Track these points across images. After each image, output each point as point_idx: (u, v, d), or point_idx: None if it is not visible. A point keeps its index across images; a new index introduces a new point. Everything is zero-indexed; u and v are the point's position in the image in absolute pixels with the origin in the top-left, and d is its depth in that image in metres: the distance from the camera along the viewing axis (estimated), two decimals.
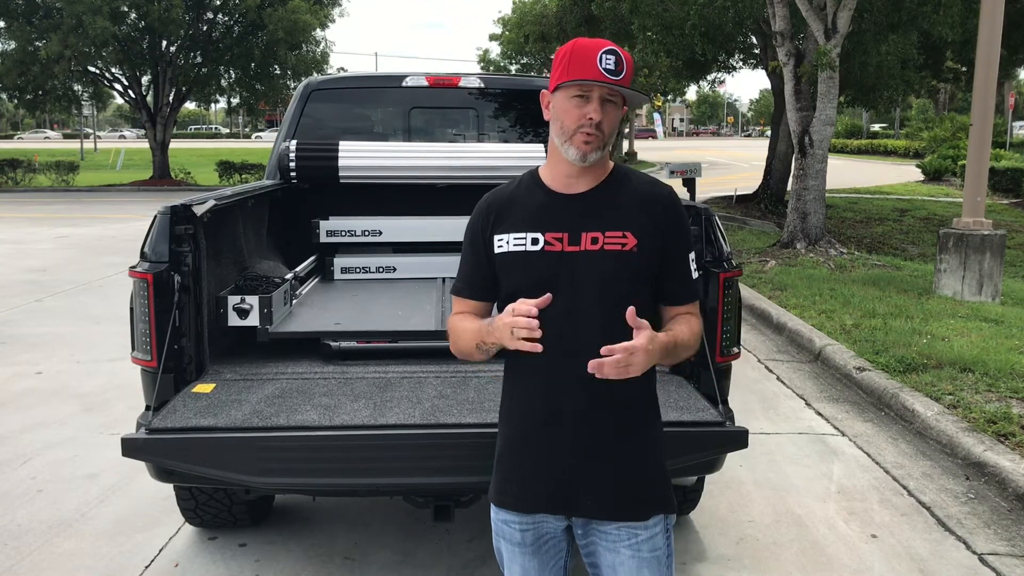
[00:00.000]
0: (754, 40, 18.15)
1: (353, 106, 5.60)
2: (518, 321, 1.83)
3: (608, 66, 1.90)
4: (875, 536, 3.94)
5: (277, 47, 26.11)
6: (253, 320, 3.52)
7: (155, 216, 3.18)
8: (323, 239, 4.97)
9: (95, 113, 50.30)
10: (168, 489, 3.79)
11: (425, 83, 5.33)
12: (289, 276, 4.22)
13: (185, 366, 3.24)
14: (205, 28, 27.02)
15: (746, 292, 8.99)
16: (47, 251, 13.03)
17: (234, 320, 3.51)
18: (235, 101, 31.06)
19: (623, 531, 2.02)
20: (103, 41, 23.72)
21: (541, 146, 5.01)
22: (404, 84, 5.34)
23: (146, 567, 3.61)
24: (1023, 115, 50.86)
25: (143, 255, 3.16)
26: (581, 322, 1.96)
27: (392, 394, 3.14)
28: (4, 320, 8.28)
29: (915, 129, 46.79)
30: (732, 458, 3.48)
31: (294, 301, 4.14)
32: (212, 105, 39.37)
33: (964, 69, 20.21)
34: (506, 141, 5.50)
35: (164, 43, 26.52)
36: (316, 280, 4.80)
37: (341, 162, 4.80)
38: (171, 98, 27.24)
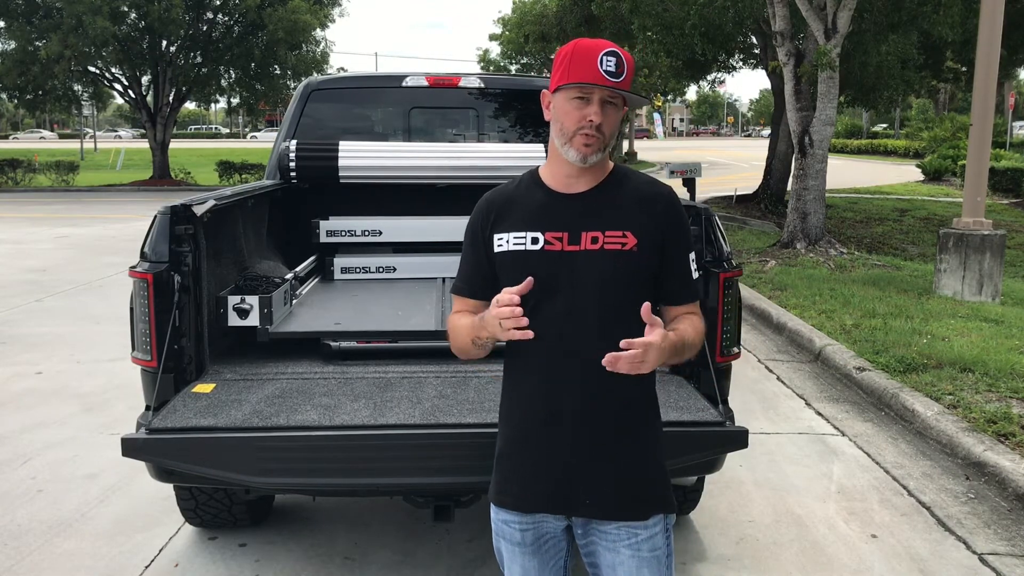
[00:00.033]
0: (754, 40, 18.15)
1: (353, 106, 5.60)
2: (502, 312, 1.83)
3: (608, 68, 1.90)
4: (875, 536, 3.94)
5: (277, 47, 26.11)
6: (253, 320, 3.52)
7: (155, 216, 3.18)
8: (323, 239, 4.97)
9: (95, 113, 50.29)
10: (168, 489, 3.79)
11: (425, 83, 5.33)
12: (289, 276, 4.22)
13: (185, 366, 3.24)
14: (205, 28, 27.02)
15: (746, 292, 8.99)
16: (47, 251, 13.03)
17: (234, 320, 3.51)
18: (235, 101, 31.07)
19: (623, 531, 2.02)
20: (103, 41, 23.72)
21: (541, 146, 5.01)
22: (404, 84, 5.34)
23: (146, 567, 3.61)
24: (1023, 115, 50.86)
25: (143, 255, 3.17)
26: (581, 322, 1.96)
27: (392, 394, 3.14)
28: (4, 320, 8.28)
29: (915, 129, 46.78)
30: (732, 458, 3.48)
31: (294, 301, 4.14)
32: (212, 105, 39.39)
33: (964, 69, 20.21)
34: (506, 141, 5.50)
35: (164, 43, 26.53)
36: (316, 280, 4.80)
37: (341, 162, 4.80)
38: (171, 98, 27.25)
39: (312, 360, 3.55)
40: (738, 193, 20.35)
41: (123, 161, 36.27)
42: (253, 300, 3.52)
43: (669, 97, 44.11)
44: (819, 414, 5.69)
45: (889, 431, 5.33)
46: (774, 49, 12.41)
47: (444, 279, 4.76)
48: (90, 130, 54.25)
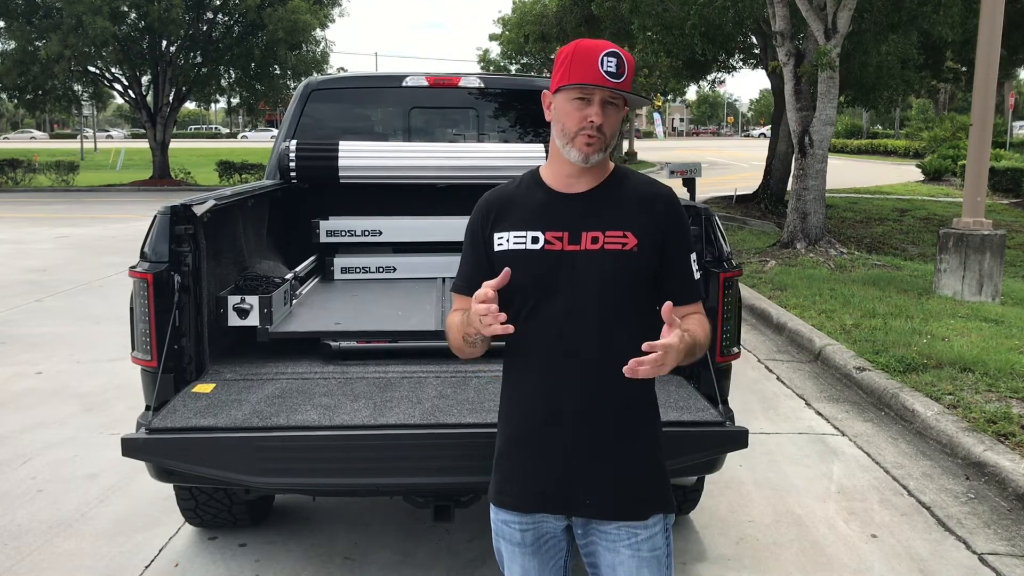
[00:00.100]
0: (754, 40, 18.15)
1: (353, 106, 5.60)
2: (479, 308, 1.82)
3: (609, 69, 1.90)
4: (875, 536, 3.94)
5: (277, 47, 26.11)
6: (253, 320, 3.52)
7: (155, 216, 3.18)
8: (323, 239, 4.97)
9: (95, 113, 50.29)
10: (168, 489, 3.79)
11: (425, 83, 5.33)
12: (289, 276, 4.22)
13: (185, 366, 3.24)
14: (205, 28, 27.02)
15: (746, 292, 8.99)
16: (47, 251, 13.03)
17: (234, 320, 3.51)
18: (235, 101, 31.07)
19: (623, 531, 2.02)
20: (103, 41, 23.72)
21: (541, 146, 5.01)
22: (404, 84, 5.34)
23: (146, 567, 3.61)
24: (1023, 115, 50.86)
25: (143, 255, 3.16)
26: (581, 321, 1.96)
27: (392, 394, 3.14)
28: (4, 320, 8.28)
29: (915, 129, 46.79)
30: (732, 458, 3.48)
31: (294, 301, 4.14)
32: (212, 105, 39.39)
33: (964, 69, 20.22)
34: (506, 141, 5.50)
35: (164, 43, 26.52)
36: (316, 280, 4.80)
37: (341, 162, 4.80)
38: (171, 98, 27.25)
39: (312, 360, 3.55)
40: (738, 193, 20.36)
41: (123, 161, 36.27)
42: (253, 300, 3.52)
43: (669, 97, 44.10)
44: (819, 414, 5.69)
45: (889, 431, 5.33)
46: (774, 49, 12.41)
47: (444, 279, 4.76)
48: (89, 130, 54.23)
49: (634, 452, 2.03)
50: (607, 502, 2.01)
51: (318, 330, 3.71)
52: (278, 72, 28.07)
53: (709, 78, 26.05)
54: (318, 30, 27.66)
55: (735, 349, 3.37)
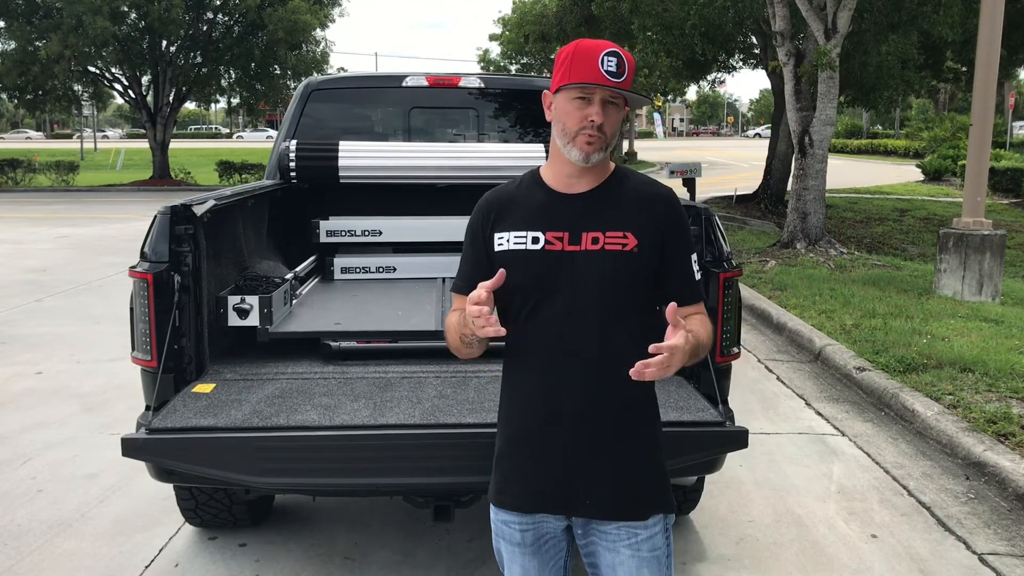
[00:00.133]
0: (754, 40, 18.15)
1: (353, 106, 5.60)
2: (471, 310, 1.83)
3: (610, 68, 1.90)
4: (875, 536, 3.94)
5: (277, 47, 26.11)
6: (253, 320, 3.52)
7: (155, 216, 3.18)
8: (323, 239, 4.97)
9: (95, 113, 50.28)
10: (168, 489, 3.79)
11: (425, 83, 5.33)
12: (289, 276, 4.22)
13: (185, 366, 3.24)
14: (205, 28, 27.02)
15: (746, 292, 8.99)
16: (47, 251, 13.03)
17: (234, 320, 3.51)
18: (235, 101, 31.07)
19: (623, 531, 2.02)
20: (103, 41, 23.72)
21: (541, 146, 5.01)
22: (404, 84, 5.34)
23: (146, 567, 3.61)
24: (1023, 115, 50.85)
25: (143, 255, 3.17)
26: (581, 322, 1.96)
27: (392, 394, 3.14)
28: (4, 320, 8.28)
29: (915, 129, 46.78)
30: (732, 458, 3.48)
31: (294, 301, 4.14)
32: (212, 105, 39.39)
33: (964, 69, 20.22)
34: (506, 141, 5.50)
35: (164, 43, 26.52)
36: (316, 280, 4.80)
37: (341, 162, 4.80)
38: (171, 98, 27.25)
39: (312, 360, 3.55)
40: (738, 193, 20.35)
41: (123, 161, 36.27)
42: (253, 300, 3.52)
43: (669, 97, 44.08)
44: (819, 414, 5.68)
45: (889, 431, 5.33)
46: (774, 49, 12.41)
47: (444, 279, 4.76)
48: (88, 130, 54.20)
49: (634, 452, 2.03)
50: (607, 502, 2.01)
51: (318, 330, 3.71)
52: (278, 72, 28.08)
53: (709, 78, 26.05)
54: (318, 30, 27.67)
55: (735, 349, 3.37)
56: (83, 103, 31.50)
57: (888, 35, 13.20)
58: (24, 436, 5.15)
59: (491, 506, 2.12)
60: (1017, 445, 4.73)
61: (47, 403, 5.78)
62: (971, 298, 8.56)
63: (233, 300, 3.51)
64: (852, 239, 14.74)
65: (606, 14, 19.46)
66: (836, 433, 5.33)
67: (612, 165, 2.06)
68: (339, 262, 4.91)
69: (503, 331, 1.82)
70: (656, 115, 65.89)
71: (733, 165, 38.08)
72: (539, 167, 2.11)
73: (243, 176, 25.64)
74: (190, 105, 48.70)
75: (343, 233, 4.99)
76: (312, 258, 4.89)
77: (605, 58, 1.90)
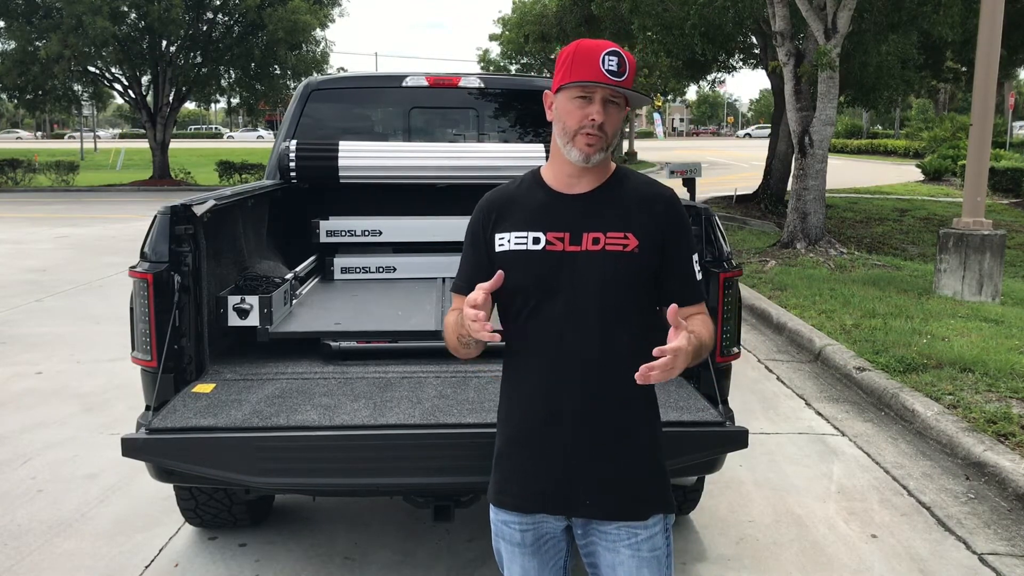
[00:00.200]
0: (754, 40, 18.15)
1: (353, 106, 5.60)
2: (468, 313, 1.83)
3: (611, 67, 1.90)
4: (875, 536, 3.94)
5: (277, 47, 26.11)
6: (253, 320, 3.52)
7: (155, 216, 3.18)
8: (323, 239, 4.97)
9: (95, 113, 50.27)
10: (168, 489, 3.79)
11: (425, 83, 5.33)
12: (289, 276, 4.22)
13: (185, 366, 3.24)
14: (205, 28, 27.02)
15: (746, 292, 8.99)
16: (47, 251, 13.03)
17: (234, 320, 3.51)
18: (235, 101, 31.08)
19: (623, 531, 2.02)
20: (103, 41, 23.73)
21: (541, 146, 5.01)
22: (404, 84, 5.34)
23: (146, 567, 3.61)
24: (1023, 115, 50.85)
25: (143, 255, 3.17)
26: (581, 322, 1.96)
27: (392, 394, 3.14)
28: (4, 320, 8.28)
29: (915, 129, 46.78)
30: (732, 458, 3.48)
31: (294, 301, 4.14)
32: (212, 105, 39.39)
33: (964, 69, 20.22)
34: (506, 141, 5.50)
35: (164, 43, 26.52)
36: (316, 280, 4.80)
37: (341, 162, 4.80)
38: (171, 98, 27.24)
39: (312, 360, 3.55)
40: (738, 193, 20.35)
41: (123, 161, 36.27)
42: (253, 300, 3.52)
43: (669, 97, 44.09)
44: (819, 414, 5.68)
45: (889, 431, 5.33)
46: (774, 49, 12.41)
47: (444, 279, 4.76)
48: (82, 131, 54.10)
49: (634, 452, 2.03)
50: (607, 502, 2.01)
51: (318, 330, 3.71)
52: (278, 72, 28.08)
53: (709, 78, 26.06)
54: (318, 30, 27.67)
55: (735, 349, 3.37)
56: (83, 103, 31.50)
57: (888, 35, 13.20)
58: (24, 436, 5.15)
59: (491, 506, 2.12)
60: (1017, 445, 4.73)
61: (47, 403, 5.78)
62: (971, 298, 8.56)
63: (233, 300, 3.51)
64: (852, 239, 14.74)
65: (606, 14, 19.46)
66: (836, 433, 5.33)
67: (613, 165, 2.06)
68: (339, 262, 4.91)
69: (497, 336, 1.83)
70: (656, 115, 65.89)
71: (733, 165, 38.08)
72: (540, 167, 2.11)
73: (243, 176, 25.64)
74: (190, 105, 48.75)
75: (343, 233, 4.99)
76: (312, 258, 4.89)
77: (606, 57, 1.90)
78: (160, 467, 2.94)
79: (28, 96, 26.59)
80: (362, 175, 4.87)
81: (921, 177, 29.63)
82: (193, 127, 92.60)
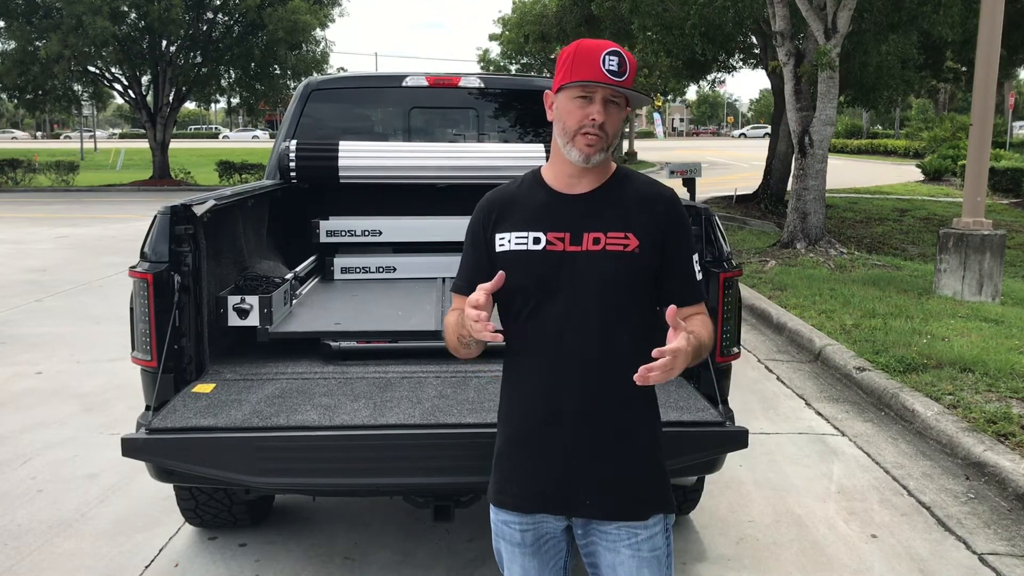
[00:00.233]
0: (754, 40, 18.15)
1: (353, 106, 5.60)
2: (470, 313, 1.83)
3: (611, 67, 1.90)
4: (875, 536, 3.94)
5: (277, 47, 26.11)
6: (253, 320, 3.52)
7: (155, 216, 3.18)
8: (323, 239, 4.97)
9: (95, 113, 50.26)
10: (168, 489, 3.79)
11: (425, 83, 5.33)
12: (289, 276, 4.22)
13: (185, 366, 3.24)
14: (205, 28, 27.02)
15: (746, 292, 8.99)
16: (47, 251, 13.03)
17: (234, 320, 3.51)
18: (235, 101, 31.08)
19: (623, 531, 2.02)
20: (103, 41, 23.73)
21: (541, 146, 5.01)
22: (404, 84, 5.34)
23: (146, 567, 3.61)
24: (1023, 115, 50.85)
25: (143, 255, 3.17)
26: (581, 322, 1.96)
27: (392, 394, 3.14)
28: (4, 320, 8.28)
29: (915, 129, 46.78)
30: (732, 458, 3.48)
31: (294, 301, 4.14)
32: (212, 105, 39.39)
33: (964, 69, 20.23)
34: (506, 141, 5.50)
35: (164, 43, 26.53)
36: (316, 280, 4.80)
37: (341, 162, 4.80)
38: (171, 98, 27.25)
39: (312, 360, 3.55)
40: (738, 193, 20.35)
41: (123, 161, 36.27)
42: (253, 300, 3.52)
43: (669, 97, 44.09)
44: (819, 414, 5.68)
45: (889, 431, 5.33)
46: (774, 49, 12.41)
47: (444, 279, 4.77)
48: (74, 132, 54.04)
49: (634, 452, 2.03)
50: (607, 502, 2.01)
51: (318, 330, 3.71)
52: (278, 72, 28.08)
53: (709, 78, 26.07)
54: (318, 30, 27.67)
55: (735, 349, 3.37)
56: (83, 103, 31.50)
57: (888, 35, 13.20)
58: (24, 436, 5.15)
59: (491, 506, 2.12)
60: (1017, 445, 4.73)
61: (47, 403, 5.78)
62: (971, 298, 8.56)
63: (233, 300, 3.51)
64: (852, 239, 14.74)
65: (606, 14, 19.46)
66: (836, 433, 5.33)
67: (613, 165, 2.06)
68: (339, 262, 4.91)
69: (499, 337, 1.83)
70: (656, 115, 65.90)
71: (733, 165, 38.08)
72: (540, 167, 2.11)
73: (243, 176, 25.64)
74: (190, 105, 48.76)
75: (343, 233, 4.99)
76: (312, 258, 4.89)
77: (607, 57, 1.90)
78: (160, 467, 2.94)
79: (28, 96, 26.59)
80: (362, 175, 4.87)
81: (921, 177, 29.63)
82: (193, 127, 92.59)
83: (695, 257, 2.07)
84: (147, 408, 3.10)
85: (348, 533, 3.88)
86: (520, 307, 1.99)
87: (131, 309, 3.19)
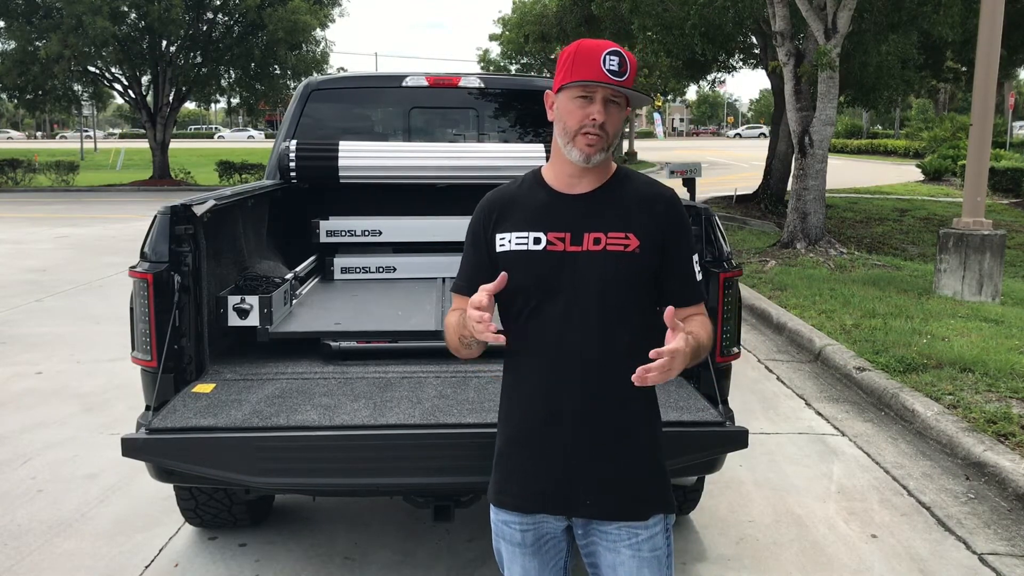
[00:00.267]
0: (754, 40, 18.15)
1: (353, 106, 5.60)
2: (473, 314, 1.83)
3: (612, 67, 1.90)
4: (875, 536, 3.94)
5: (277, 47, 26.11)
6: (253, 320, 3.52)
7: (155, 216, 3.18)
8: (323, 239, 4.97)
9: (95, 113, 50.25)
10: (168, 489, 3.79)
11: (425, 83, 5.33)
12: (289, 276, 4.22)
13: (185, 366, 3.24)
14: (205, 28, 27.02)
15: (746, 292, 8.99)
16: (47, 251, 13.03)
17: (234, 320, 3.51)
18: (235, 101, 31.08)
19: (623, 531, 2.02)
20: (103, 41, 23.73)
21: (541, 146, 5.01)
22: (404, 84, 5.34)
23: (146, 567, 3.61)
24: (1023, 115, 50.85)
25: (143, 255, 3.17)
26: (582, 322, 1.96)
27: (392, 394, 3.14)
28: (4, 320, 8.28)
29: (915, 129, 46.78)
30: (732, 458, 3.48)
31: (294, 301, 4.14)
32: (212, 105, 39.39)
33: (964, 69, 20.23)
34: (506, 141, 5.50)
35: (164, 43, 26.53)
36: (316, 280, 4.80)
37: (341, 162, 4.80)
38: (171, 98, 27.25)
39: (312, 360, 3.55)
40: (738, 193, 20.35)
41: (123, 161, 36.27)
42: (253, 300, 3.52)
43: (669, 97, 44.10)
44: (819, 414, 5.68)
45: (889, 431, 5.33)
46: (774, 49, 12.41)
47: (444, 279, 4.77)
48: (80, 131, 54.01)
49: (634, 452, 2.03)
50: (608, 502, 2.01)
51: (318, 330, 3.71)
52: (278, 72, 28.08)
53: (709, 78, 26.05)
54: (318, 30, 27.68)
55: (735, 349, 3.37)
56: (83, 103, 31.50)
57: (888, 35, 13.20)
58: (24, 436, 5.15)
59: (491, 506, 2.12)
60: (1017, 445, 4.73)
61: (47, 403, 5.78)
62: (971, 298, 8.56)
63: (233, 300, 3.51)
64: (852, 239, 14.74)
65: (606, 14, 19.46)
66: (836, 433, 5.33)
67: (614, 166, 2.06)
68: (339, 262, 4.92)
69: (502, 338, 1.83)
70: (656, 115, 65.91)
71: (733, 165, 38.09)
72: (540, 167, 2.11)
73: (243, 176, 25.65)
74: (190, 105, 48.75)
75: (343, 233, 4.99)
76: (312, 258, 4.89)
77: (607, 57, 1.90)
78: (160, 467, 2.94)
79: (28, 96, 26.59)
80: (362, 175, 4.87)
81: (921, 177, 29.63)
82: (193, 127, 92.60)
83: (695, 257, 2.07)
84: (147, 408, 3.10)
85: (348, 533, 3.88)
86: (520, 307, 1.99)
87: (131, 309, 3.19)
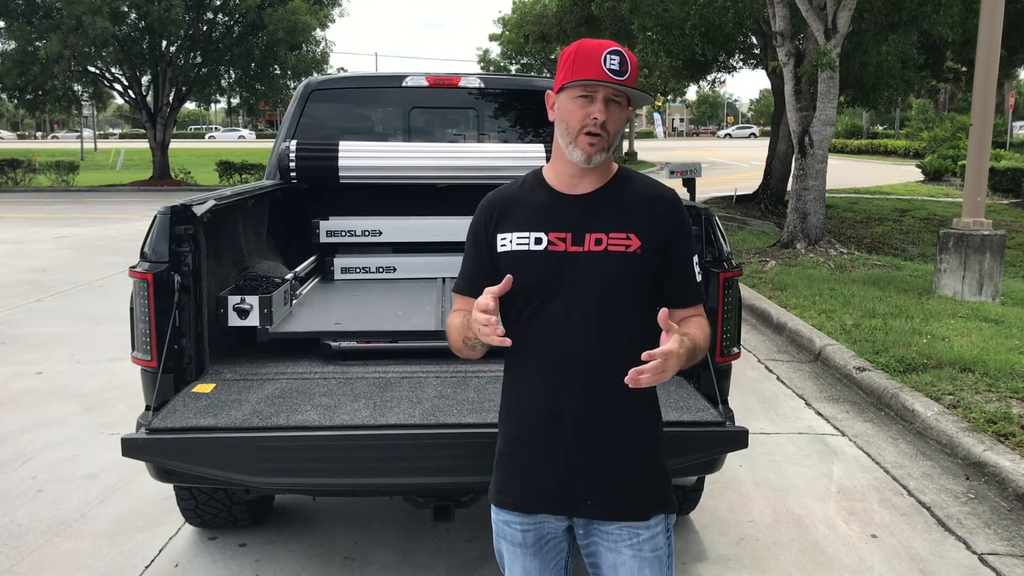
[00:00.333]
0: (754, 40, 18.16)
1: (353, 106, 5.60)
2: (479, 318, 1.83)
3: (613, 66, 1.90)
4: (875, 536, 3.94)
5: (277, 47, 26.11)
6: (253, 320, 3.52)
7: (155, 216, 3.18)
8: (323, 239, 4.97)
9: (95, 113, 50.25)
10: (168, 489, 3.79)
11: (425, 83, 5.33)
12: (289, 276, 4.22)
13: (185, 366, 3.24)
14: (205, 28, 27.03)
15: (746, 292, 8.99)
16: (47, 251, 13.03)
17: (234, 320, 3.51)
18: (235, 101, 31.08)
19: (624, 531, 2.02)
20: (103, 41, 23.73)
21: (541, 146, 5.01)
22: (404, 84, 5.34)
23: (146, 567, 3.61)
24: (1023, 115, 50.86)
25: (143, 255, 3.17)
26: (583, 323, 1.96)
27: (392, 394, 3.14)
28: (4, 320, 8.28)
29: (915, 129, 46.78)
30: (732, 458, 3.48)
31: (294, 301, 4.14)
32: (212, 105, 39.39)
33: (964, 69, 20.24)
34: (506, 141, 5.50)
35: (164, 43, 26.53)
36: (316, 280, 4.80)
37: (341, 162, 4.80)
38: (171, 98, 27.25)
39: (312, 360, 3.55)
40: (738, 193, 20.35)
41: (123, 161, 36.27)
42: (253, 300, 3.52)
43: (669, 97, 44.10)
44: (819, 414, 5.68)
45: (889, 431, 5.33)
46: (774, 49, 12.41)
47: (444, 279, 4.77)
48: (60, 133, 53.98)
49: (635, 452, 2.03)
50: (609, 502, 2.01)
51: (318, 330, 3.71)
52: (278, 72, 28.08)
53: (709, 78, 26.07)
54: (318, 30, 27.67)
55: (735, 349, 3.37)
56: (83, 103, 31.50)
57: (888, 35, 13.20)
58: (24, 436, 5.15)
59: (492, 506, 2.12)
60: (1017, 445, 4.73)
61: (47, 403, 5.78)
62: (971, 298, 8.56)
63: (233, 300, 3.51)
64: (852, 239, 14.74)
65: (606, 14, 19.47)
66: (836, 433, 5.33)
67: (615, 166, 2.06)
68: (339, 262, 4.92)
69: (508, 341, 1.83)
70: (656, 115, 65.92)
71: (733, 165, 38.08)
72: (541, 167, 2.11)
73: (243, 176, 25.64)
74: (190, 105, 48.73)
75: (343, 233, 4.99)
76: (312, 258, 4.89)
77: (608, 56, 1.90)
78: (160, 467, 2.94)
79: (28, 96, 26.59)
80: (362, 175, 4.87)
81: (921, 177, 29.64)
82: (193, 127, 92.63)
83: (695, 258, 2.07)
84: (147, 408, 3.10)
85: (348, 533, 3.88)
86: (522, 307, 1.99)
87: (131, 309, 3.19)
